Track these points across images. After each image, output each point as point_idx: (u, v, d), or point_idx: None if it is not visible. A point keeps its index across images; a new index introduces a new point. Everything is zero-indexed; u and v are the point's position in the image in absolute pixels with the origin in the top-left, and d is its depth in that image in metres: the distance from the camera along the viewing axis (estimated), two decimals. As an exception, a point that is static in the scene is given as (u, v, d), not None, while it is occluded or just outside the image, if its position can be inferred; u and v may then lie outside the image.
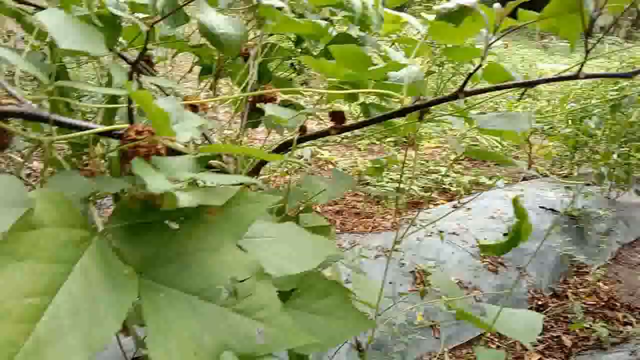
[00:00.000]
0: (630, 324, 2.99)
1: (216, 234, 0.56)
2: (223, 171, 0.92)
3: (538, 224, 3.84)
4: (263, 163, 0.99)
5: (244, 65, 1.25)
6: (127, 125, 0.58)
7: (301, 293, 0.77)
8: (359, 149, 6.32)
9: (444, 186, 5.00)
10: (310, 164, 5.37)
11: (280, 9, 0.96)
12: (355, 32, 1.05)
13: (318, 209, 4.16)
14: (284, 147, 1.00)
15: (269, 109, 1.04)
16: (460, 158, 5.75)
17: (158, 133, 0.56)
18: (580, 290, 3.39)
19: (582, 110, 4.46)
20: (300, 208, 1.11)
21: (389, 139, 6.48)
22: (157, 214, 0.54)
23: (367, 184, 4.90)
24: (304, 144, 1.02)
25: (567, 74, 0.69)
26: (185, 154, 0.60)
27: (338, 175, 0.99)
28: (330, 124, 0.95)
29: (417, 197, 4.73)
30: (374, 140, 6.68)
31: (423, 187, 4.99)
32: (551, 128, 4.90)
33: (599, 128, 4.45)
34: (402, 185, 4.41)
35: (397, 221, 3.87)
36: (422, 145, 6.38)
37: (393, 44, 1.24)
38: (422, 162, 5.80)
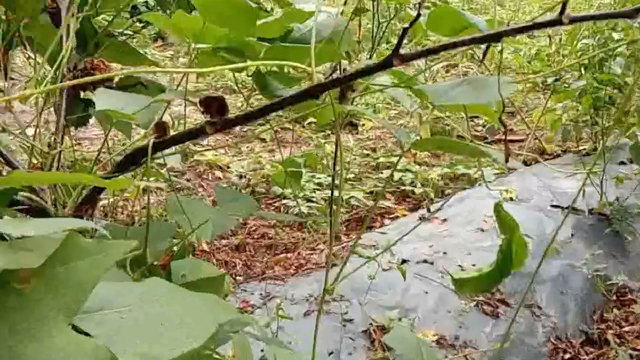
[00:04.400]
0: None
1: (36, 311, 0.58)
2: (37, 209, 0.93)
3: (551, 232, 4.08)
4: (100, 189, 1.00)
5: (52, 27, 1.26)
6: None
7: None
8: (263, 140, 6.40)
9: (403, 187, 5.18)
10: (184, 173, 5.37)
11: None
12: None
13: (205, 247, 4.18)
14: (131, 160, 1.03)
15: (100, 97, 1.06)
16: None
17: None
18: (626, 329, 3.64)
19: (601, 48, 4.77)
20: (173, 251, 1.13)
21: (309, 121, 6.60)
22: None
23: (282, 197, 4.98)
24: (168, 150, 1.05)
25: (547, 18, 0.78)
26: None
27: (226, 194, 1.03)
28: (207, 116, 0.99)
29: (362, 208, 4.86)
30: (285, 123, 6.76)
31: (371, 193, 5.14)
32: (557, 80, 5.22)
33: (628, 74, 4.80)
34: (336, 194, 4.52)
35: (331, 252, 3.97)
36: (363, 126, 6.58)
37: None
38: (367, 152, 5.99)
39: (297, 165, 1.73)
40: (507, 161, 0.88)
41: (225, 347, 1.23)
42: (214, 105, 0.89)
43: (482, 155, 0.94)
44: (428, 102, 0.93)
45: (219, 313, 0.78)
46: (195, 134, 0.99)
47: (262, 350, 1.83)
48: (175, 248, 1.17)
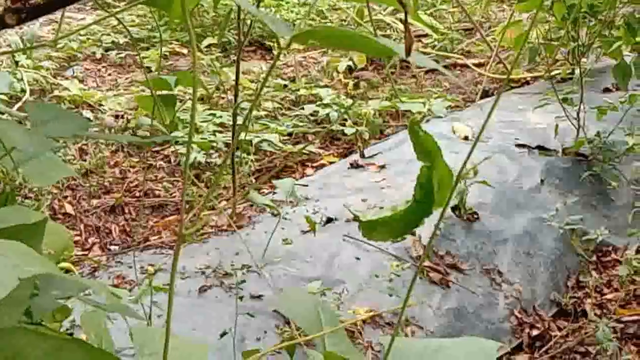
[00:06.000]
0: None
1: None
2: None
3: (517, 177, 4.13)
4: None
5: None
6: None
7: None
8: (148, 69, 6.29)
9: (330, 127, 5.16)
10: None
11: None
12: None
13: (69, 209, 4.11)
14: None
15: None
16: (364, 63, 5.96)
17: None
18: (608, 296, 3.72)
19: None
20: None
21: (208, 43, 6.52)
22: None
23: (172, 143, 4.91)
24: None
25: None
26: None
27: (44, 111, 0.99)
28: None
29: (278, 155, 4.84)
30: (176, 47, 6.66)
31: (290, 135, 5.11)
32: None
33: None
34: (242, 136, 4.48)
35: (235, 212, 3.96)
36: (276, 44, 6.50)
37: None
38: (284, 83, 5.95)
39: (167, 87, 1.68)
40: (408, 54, 0.86)
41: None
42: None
43: (380, 52, 0.92)
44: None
45: (25, 265, 0.75)
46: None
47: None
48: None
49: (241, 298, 3.03)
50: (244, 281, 3.11)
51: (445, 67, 6.34)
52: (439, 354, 1.09)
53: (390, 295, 3.32)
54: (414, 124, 1.07)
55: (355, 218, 1.16)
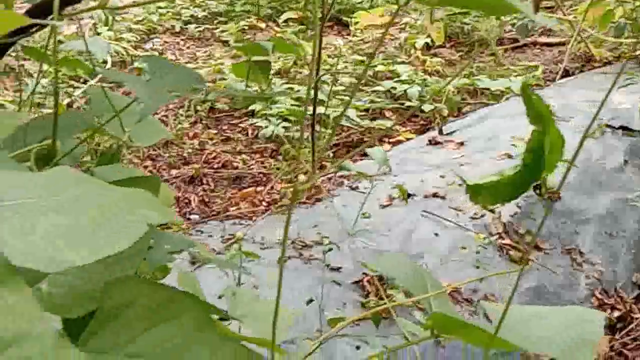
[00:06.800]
0: None
1: None
2: None
3: (600, 157, 4.07)
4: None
5: None
6: None
7: (108, 317, 0.78)
8: (225, 43, 6.34)
9: (408, 103, 5.15)
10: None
11: None
12: None
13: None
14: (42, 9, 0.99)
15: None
16: (442, 41, 5.93)
17: None
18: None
19: None
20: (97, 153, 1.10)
21: (286, 17, 6.54)
22: None
23: (250, 115, 4.94)
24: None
25: None
26: None
27: (159, 64, 1.00)
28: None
29: (355, 130, 4.84)
30: (255, 21, 6.70)
31: (367, 111, 5.10)
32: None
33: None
34: (324, 111, 4.49)
35: (314, 182, 3.95)
36: (356, 25, 6.51)
37: None
38: (361, 58, 5.93)
39: (263, 53, 1.68)
40: (536, 11, 0.84)
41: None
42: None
43: (506, 10, 0.90)
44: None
45: (149, 212, 0.75)
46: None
47: (219, 297, 1.81)
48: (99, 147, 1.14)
49: (327, 266, 3.05)
50: (330, 249, 3.11)
51: (525, 45, 6.28)
52: (546, 320, 1.08)
53: (470, 271, 3.29)
54: (526, 88, 1.05)
55: (463, 181, 1.14)
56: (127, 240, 0.68)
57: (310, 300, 2.76)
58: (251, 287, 2.74)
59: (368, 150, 3.56)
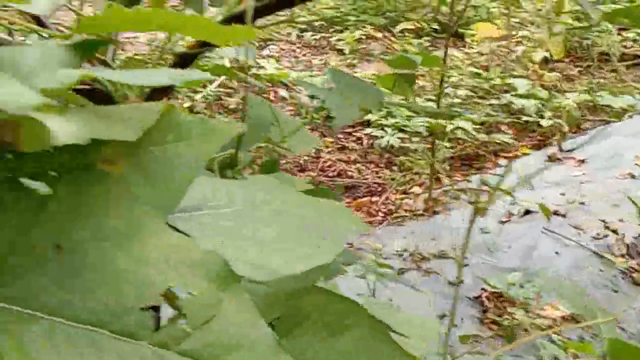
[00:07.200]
0: None
1: (127, 205, 0.56)
2: (101, 94, 0.92)
3: None
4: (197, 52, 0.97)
5: None
6: None
7: (289, 326, 0.79)
8: (340, 52, 6.37)
9: (525, 118, 5.09)
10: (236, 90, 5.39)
11: None
12: None
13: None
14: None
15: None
16: (561, 55, 5.85)
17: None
18: None
19: None
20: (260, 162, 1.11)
21: (402, 27, 6.52)
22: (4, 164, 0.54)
23: (367, 123, 4.96)
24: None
25: None
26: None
27: (342, 76, 1.00)
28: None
29: (471, 143, 4.80)
30: (370, 31, 6.70)
31: (483, 124, 5.06)
32: None
33: None
34: (440, 122, 4.47)
35: (431, 198, 3.94)
36: (473, 37, 6.46)
37: None
38: (477, 71, 5.89)
39: (411, 66, 1.69)
40: None
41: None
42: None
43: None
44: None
45: (349, 223, 0.76)
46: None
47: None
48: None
49: (450, 283, 3.03)
50: (466, 265, 3.09)
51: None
52: None
53: (591, 292, 3.24)
54: None
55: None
56: (333, 251, 0.69)
57: (443, 316, 2.75)
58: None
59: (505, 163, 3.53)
